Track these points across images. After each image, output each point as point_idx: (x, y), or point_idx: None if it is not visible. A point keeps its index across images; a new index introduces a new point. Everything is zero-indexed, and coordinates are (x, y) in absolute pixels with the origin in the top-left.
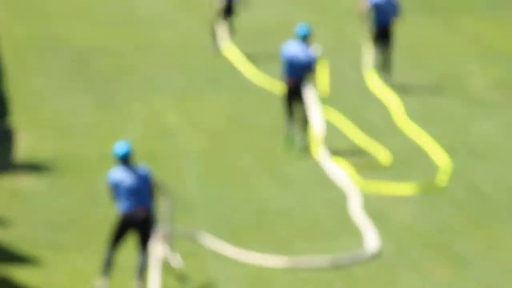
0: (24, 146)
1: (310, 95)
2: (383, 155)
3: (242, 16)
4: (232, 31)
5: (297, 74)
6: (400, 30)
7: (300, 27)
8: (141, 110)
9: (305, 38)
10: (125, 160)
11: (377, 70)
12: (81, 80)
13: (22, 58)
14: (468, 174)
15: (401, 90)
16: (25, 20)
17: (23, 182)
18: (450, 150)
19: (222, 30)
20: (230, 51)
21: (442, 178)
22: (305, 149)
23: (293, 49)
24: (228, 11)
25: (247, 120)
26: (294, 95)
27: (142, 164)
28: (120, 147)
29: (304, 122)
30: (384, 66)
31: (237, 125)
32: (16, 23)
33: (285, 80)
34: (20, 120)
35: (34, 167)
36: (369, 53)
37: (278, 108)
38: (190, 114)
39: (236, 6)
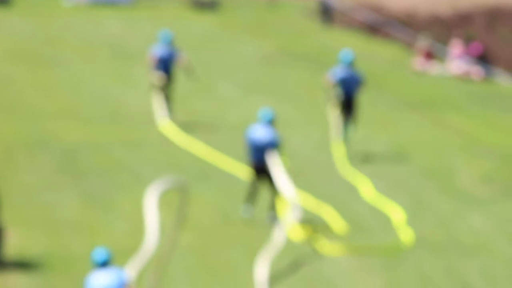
0: (13, 243)
1: (276, 168)
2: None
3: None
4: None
5: (262, 156)
6: (388, 126)
7: (264, 112)
8: (128, 206)
9: (270, 123)
10: (103, 265)
11: (343, 140)
12: (69, 177)
13: (10, 155)
14: (458, 270)
15: (389, 184)
16: (13, 118)
17: (13, 280)
18: (439, 245)
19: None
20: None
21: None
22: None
23: (258, 133)
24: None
25: (235, 214)
26: (260, 174)
27: (117, 269)
28: (99, 254)
29: (273, 197)
30: (345, 135)
31: (225, 219)
32: (4, 121)
33: (250, 162)
34: (9, 217)
35: (23, 265)
36: (334, 121)
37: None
38: (176, 209)
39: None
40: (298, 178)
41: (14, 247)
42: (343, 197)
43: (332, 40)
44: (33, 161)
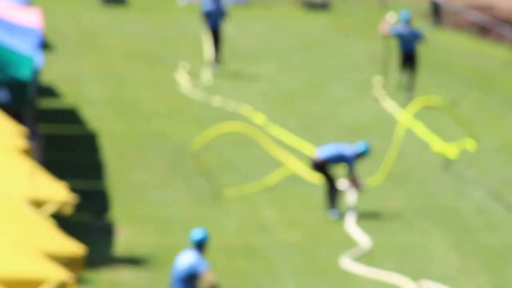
0: (124, 240)
1: None
2: None
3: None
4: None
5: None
6: (498, 127)
7: (196, 232)
8: (238, 205)
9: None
10: (199, 246)
11: (402, 88)
12: (180, 176)
13: (122, 154)
14: None
15: (497, 186)
16: (126, 118)
17: (123, 275)
18: None
19: None
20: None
21: None
22: None
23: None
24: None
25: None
26: None
27: (202, 257)
28: (196, 232)
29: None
30: (408, 86)
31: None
32: (118, 121)
33: None
34: (120, 215)
35: (133, 261)
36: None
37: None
38: (285, 208)
39: None
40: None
41: (124, 243)
42: (451, 196)
43: (443, 41)
44: (144, 160)
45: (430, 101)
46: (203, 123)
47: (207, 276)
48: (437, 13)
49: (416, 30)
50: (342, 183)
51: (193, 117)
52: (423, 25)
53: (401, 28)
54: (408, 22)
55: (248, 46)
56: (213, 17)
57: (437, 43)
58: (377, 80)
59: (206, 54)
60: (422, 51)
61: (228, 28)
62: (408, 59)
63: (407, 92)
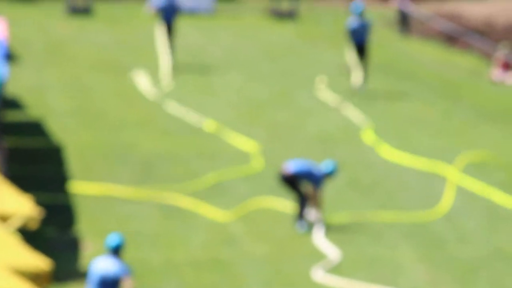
0: (91, 254)
1: None
2: None
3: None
4: None
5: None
6: (465, 137)
7: (111, 238)
8: (205, 218)
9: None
10: (115, 252)
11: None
12: (148, 188)
13: (88, 166)
14: None
15: (466, 197)
16: (92, 128)
17: None
18: None
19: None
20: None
21: None
22: None
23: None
24: None
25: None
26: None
27: (122, 262)
28: (112, 238)
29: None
30: (362, 76)
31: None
32: (83, 131)
33: None
34: (86, 229)
35: None
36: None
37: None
38: (253, 221)
39: None
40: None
41: (91, 257)
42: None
43: (410, 49)
44: (110, 171)
45: (477, 157)
46: (171, 134)
47: (128, 282)
48: (404, 22)
49: (367, 22)
50: (309, 212)
51: (160, 127)
52: (390, 34)
53: (355, 22)
54: (360, 14)
55: (215, 55)
56: (167, 13)
57: (404, 51)
58: (321, 79)
59: (162, 56)
60: (388, 60)
61: (195, 37)
62: (360, 50)
63: (361, 85)
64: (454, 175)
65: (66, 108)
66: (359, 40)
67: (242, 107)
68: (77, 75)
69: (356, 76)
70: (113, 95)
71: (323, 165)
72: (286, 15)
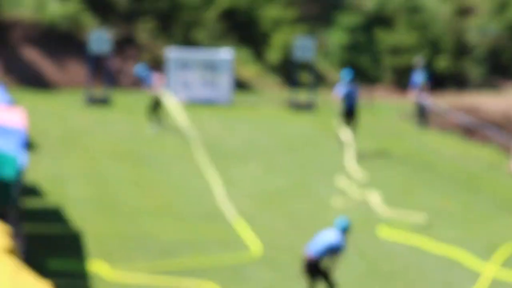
0: None
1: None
2: None
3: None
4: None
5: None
6: (484, 228)
7: (341, 220)
8: None
9: (344, 230)
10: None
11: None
12: (167, 276)
13: (106, 252)
14: None
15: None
16: (111, 216)
17: None
18: None
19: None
20: None
21: None
22: None
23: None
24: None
25: None
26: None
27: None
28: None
29: None
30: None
31: None
32: (103, 219)
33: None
34: None
35: None
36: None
37: None
38: None
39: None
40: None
41: None
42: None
43: (429, 141)
44: (129, 260)
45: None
46: (188, 222)
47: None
48: (422, 114)
49: (355, 88)
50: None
51: (178, 215)
52: (408, 126)
53: (345, 87)
54: (351, 81)
55: (233, 146)
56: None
57: (423, 143)
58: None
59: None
60: (407, 152)
61: (213, 128)
62: (350, 114)
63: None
64: (489, 269)
65: (84, 195)
66: (350, 105)
67: (261, 197)
68: (94, 164)
69: (344, 134)
70: (130, 182)
71: (337, 226)
72: (304, 107)
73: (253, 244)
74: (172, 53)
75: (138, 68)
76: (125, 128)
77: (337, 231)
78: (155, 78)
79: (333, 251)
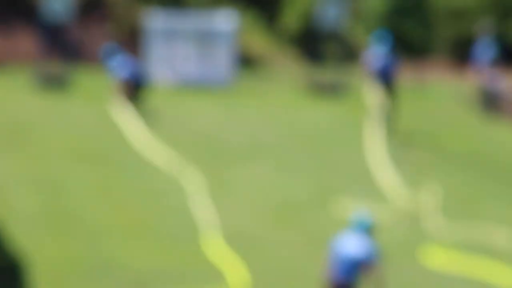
0: None
1: None
2: None
3: None
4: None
5: (351, 272)
6: None
7: (361, 217)
8: None
9: (366, 231)
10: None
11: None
12: None
13: (60, 286)
14: None
15: None
16: (67, 236)
17: None
18: None
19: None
20: None
21: None
22: None
23: (349, 243)
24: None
25: None
26: None
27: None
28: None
29: None
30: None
31: None
32: (55, 241)
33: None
34: None
35: None
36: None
37: None
38: None
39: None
40: None
41: None
42: None
43: (499, 138)
44: None
45: None
46: (167, 244)
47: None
48: (490, 100)
49: (395, 59)
50: None
51: (156, 234)
52: (469, 116)
53: (381, 59)
54: (388, 50)
55: (233, 143)
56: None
57: (490, 139)
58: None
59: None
60: (467, 151)
61: (208, 117)
62: (388, 92)
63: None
64: None
65: (31, 208)
66: (386, 84)
67: (266, 211)
68: (46, 166)
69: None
70: (92, 192)
71: (356, 227)
72: (328, 89)
73: (246, 275)
74: (154, 21)
75: (106, 50)
76: (88, 119)
77: (359, 235)
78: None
79: (366, 264)
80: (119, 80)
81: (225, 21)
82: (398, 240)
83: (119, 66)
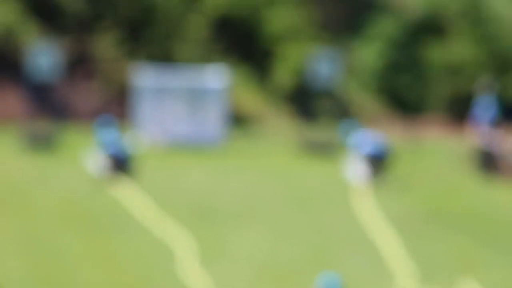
0: None
1: None
2: None
3: None
4: None
5: None
6: None
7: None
8: None
9: None
10: None
11: None
12: None
13: None
14: None
15: None
16: None
17: None
18: None
19: None
20: None
21: None
22: None
23: None
24: None
25: None
26: None
27: None
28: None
29: None
30: None
31: None
32: None
33: None
34: None
35: None
36: None
37: None
38: None
39: None
40: None
41: None
42: None
43: (497, 199)
44: None
45: None
46: None
47: None
48: (489, 161)
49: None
50: None
51: None
52: (468, 177)
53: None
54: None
55: (225, 205)
56: None
57: (489, 202)
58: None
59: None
60: (465, 213)
61: (197, 180)
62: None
63: None
64: None
65: (18, 272)
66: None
67: (266, 275)
68: (34, 228)
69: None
70: (81, 256)
71: None
72: (323, 148)
73: None
74: (143, 78)
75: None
76: (78, 184)
77: None
78: None
79: None
80: (106, 156)
81: (216, 78)
82: None
83: (111, 142)
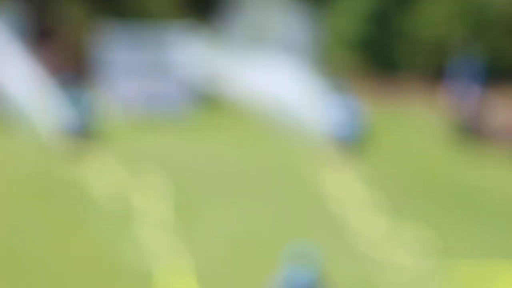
0: None
1: None
2: None
3: None
4: None
5: None
6: None
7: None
8: None
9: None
10: None
11: None
12: None
13: None
14: None
15: None
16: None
17: None
18: None
19: None
20: None
21: None
22: None
23: None
24: None
25: None
26: None
27: None
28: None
29: None
30: None
31: None
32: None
33: None
34: None
35: None
36: None
37: None
38: None
39: None
40: None
41: None
42: None
43: (484, 179)
44: None
45: None
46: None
47: None
48: (474, 134)
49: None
50: None
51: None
52: (449, 150)
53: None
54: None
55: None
56: None
57: (473, 178)
58: None
59: None
60: (448, 193)
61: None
62: None
63: None
64: None
65: None
66: None
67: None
68: None
69: None
70: (53, 240)
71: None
72: None
73: None
74: (109, 50)
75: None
76: (34, 152)
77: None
78: None
79: None
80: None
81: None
82: None
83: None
